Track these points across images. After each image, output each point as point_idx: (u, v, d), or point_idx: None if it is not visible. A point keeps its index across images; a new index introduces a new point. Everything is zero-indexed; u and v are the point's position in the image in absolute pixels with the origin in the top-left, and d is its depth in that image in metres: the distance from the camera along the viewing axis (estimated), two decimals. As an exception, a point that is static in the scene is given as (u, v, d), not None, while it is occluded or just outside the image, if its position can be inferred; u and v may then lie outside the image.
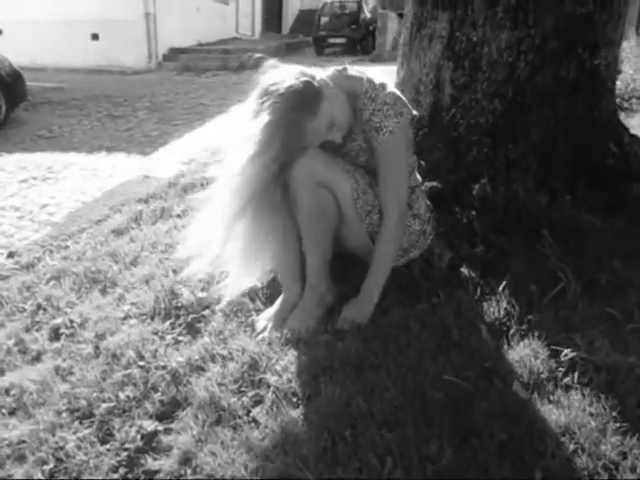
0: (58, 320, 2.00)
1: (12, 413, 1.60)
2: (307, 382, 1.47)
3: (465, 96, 1.95)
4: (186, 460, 1.31)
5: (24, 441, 1.47)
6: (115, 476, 1.32)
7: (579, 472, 1.14)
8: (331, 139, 1.58)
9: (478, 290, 1.65)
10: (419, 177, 1.79)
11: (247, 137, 1.46)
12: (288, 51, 14.14)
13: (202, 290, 1.93)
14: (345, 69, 1.67)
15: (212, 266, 1.66)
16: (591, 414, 1.25)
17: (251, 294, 1.85)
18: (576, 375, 1.34)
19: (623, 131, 2.16)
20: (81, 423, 1.49)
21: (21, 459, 1.43)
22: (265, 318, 1.72)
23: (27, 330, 2.03)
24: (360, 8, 13.44)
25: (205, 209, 1.59)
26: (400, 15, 14.63)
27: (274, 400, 1.44)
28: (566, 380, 1.35)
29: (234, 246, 1.58)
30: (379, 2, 13.57)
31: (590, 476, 1.13)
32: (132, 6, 11.06)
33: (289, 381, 1.48)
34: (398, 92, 1.62)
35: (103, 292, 2.14)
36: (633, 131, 2.33)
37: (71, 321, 1.94)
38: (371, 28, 13.04)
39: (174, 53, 12.25)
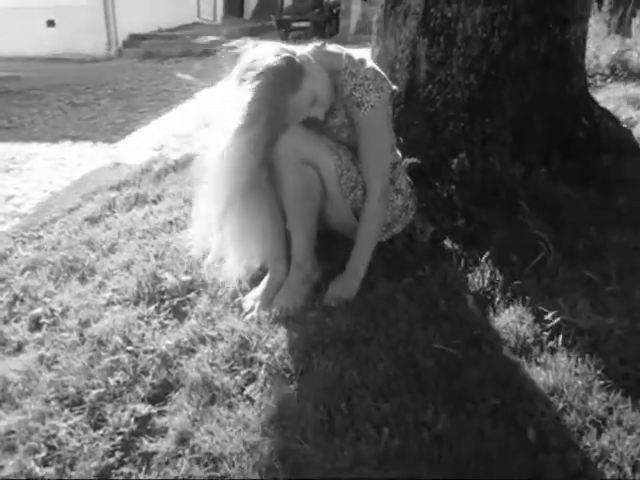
0: (38, 310, 1.96)
1: (-3, 405, 1.57)
2: (299, 358, 1.48)
3: (441, 72, 1.97)
4: (183, 440, 1.31)
5: (13, 431, 1.44)
6: (111, 460, 1.31)
7: (569, 428, 1.19)
8: (313, 115, 1.57)
9: (462, 262, 1.69)
10: (399, 153, 1.81)
11: (231, 117, 1.45)
12: (252, 35, 13.93)
13: (185, 273, 1.92)
14: (324, 45, 1.67)
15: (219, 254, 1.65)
16: (577, 374, 1.30)
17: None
18: (560, 338, 1.39)
19: (593, 105, 2.21)
20: (71, 410, 1.47)
21: (11, 449, 1.40)
22: (252, 298, 1.72)
23: (5, 322, 1.97)
24: (323, -9, 13.31)
25: (199, 198, 1.57)
26: (363, -2, 14.58)
27: (267, 377, 1.44)
28: (551, 343, 1.40)
29: (226, 230, 1.57)
30: (342, -16, 13.49)
31: (579, 431, 1.18)
32: (89, -10, 10.70)
33: (281, 358, 1.49)
34: (377, 67, 1.62)
35: (82, 280, 2.10)
36: (599, 106, 2.40)
37: (52, 310, 1.90)
38: (335, 11, 12.93)
39: (134, 39, 11.91)
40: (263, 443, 1.26)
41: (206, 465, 1.24)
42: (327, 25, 12.57)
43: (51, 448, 1.37)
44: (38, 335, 1.83)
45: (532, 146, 2.05)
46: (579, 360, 1.32)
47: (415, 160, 1.92)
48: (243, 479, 1.19)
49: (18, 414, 1.49)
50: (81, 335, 1.74)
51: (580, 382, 1.27)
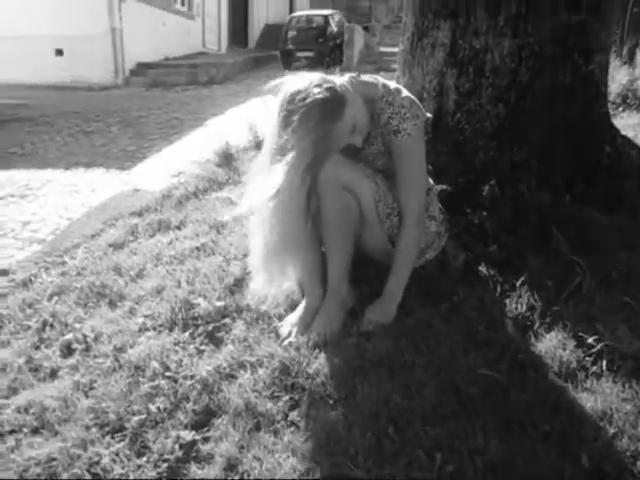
0: (69, 336, 1.96)
1: (35, 431, 1.55)
2: (341, 383, 1.48)
3: (470, 101, 2.01)
4: (231, 467, 1.30)
5: (54, 459, 1.43)
6: (157, 488, 1.30)
7: (622, 454, 1.19)
8: (352, 143, 1.61)
9: (498, 287, 1.70)
10: (431, 180, 1.84)
11: (278, 151, 1.48)
12: (256, 65, 14.21)
13: (218, 299, 1.92)
14: (359, 75, 1.71)
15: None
16: (624, 399, 1.30)
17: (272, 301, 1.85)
18: (604, 363, 1.40)
19: (615, 132, 2.26)
20: (113, 437, 1.46)
21: (53, 477, 1.39)
22: (289, 324, 1.72)
23: (36, 348, 1.97)
24: (327, 22, 13.62)
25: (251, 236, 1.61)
26: (365, 28, 14.92)
27: (310, 403, 1.44)
28: (594, 368, 1.41)
29: (266, 250, 1.58)
30: (345, 16, 13.79)
31: (633, 457, 1.17)
32: (97, 21, 10.93)
33: (323, 384, 1.49)
34: (412, 96, 1.67)
35: (112, 306, 2.11)
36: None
37: (84, 336, 1.90)
38: (338, 42, 13.22)
39: (141, 68, 12.14)
40: (313, 469, 1.25)
41: (256, 492, 1.24)
42: (330, 55, 12.82)
43: (95, 475, 1.36)
44: (72, 361, 1.82)
45: (557, 173, 2.08)
46: (625, 385, 1.33)
47: (445, 187, 1.94)
48: (296, 506, 1.18)
49: (58, 441, 1.48)
50: (116, 361, 1.74)
51: (629, 407, 1.27)
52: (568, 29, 1.98)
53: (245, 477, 1.27)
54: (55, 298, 2.25)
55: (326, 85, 1.51)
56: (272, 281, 1.67)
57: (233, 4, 16.68)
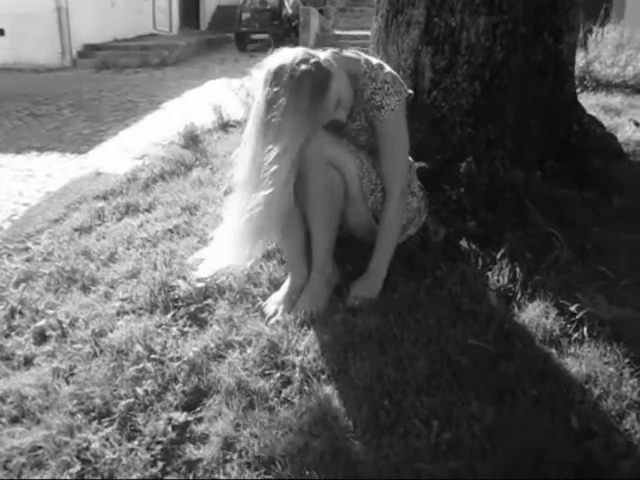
0: (41, 322, 1.88)
1: (15, 421, 1.50)
2: (332, 359, 1.48)
3: (446, 79, 2.03)
4: (228, 445, 1.29)
5: (39, 447, 1.38)
6: (154, 470, 1.28)
7: (608, 413, 1.24)
8: (337, 118, 1.60)
9: (479, 261, 1.73)
10: (410, 157, 1.85)
11: (265, 125, 1.45)
12: (209, 47, 13.89)
13: (198, 280, 1.89)
14: (341, 50, 1.69)
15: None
16: (606, 363, 1.36)
17: (254, 280, 1.83)
18: (585, 329, 1.45)
19: (582, 112, 2.33)
20: (100, 422, 1.42)
21: (40, 466, 1.34)
22: (274, 302, 1.71)
23: (6, 336, 1.89)
24: (282, 4, 13.42)
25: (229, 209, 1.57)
26: (320, 11, 14.78)
27: (303, 379, 1.44)
28: (576, 335, 1.46)
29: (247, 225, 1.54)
30: (300, -2, 13.65)
31: (619, 416, 1.23)
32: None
33: (314, 360, 1.49)
34: (394, 72, 1.67)
35: (85, 290, 2.04)
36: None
37: (59, 322, 1.83)
38: (293, 24, 13.07)
39: (89, 50, 11.67)
40: (312, 444, 1.25)
41: (257, 469, 1.23)
42: (285, 38, 12.67)
43: (85, 462, 1.32)
44: (47, 348, 1.76)
45: (529, 150, 2.14)
46: (607, 349, 1.39)
47: (423, 164, 1.96)
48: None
49: (42, 429, 1.43)
50: (96, 345, 1.68)
51: (611, 369, 1.33)
52: (539, 7, 2.02)
53: (243, 454, 1.26)
54: (22, 285, 2.16)
55: (312, 60, 1.49)
56: (241, 253, 1.61)
57: (184, -16, 16.20)
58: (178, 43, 12.79)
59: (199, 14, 17.11)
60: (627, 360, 1.35)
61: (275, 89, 1.45)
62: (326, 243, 1.68)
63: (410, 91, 1.70)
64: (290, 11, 13.41)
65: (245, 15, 13.30)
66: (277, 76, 1.46)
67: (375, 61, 1.66)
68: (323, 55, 1.58)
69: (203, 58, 12.30)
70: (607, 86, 3.41)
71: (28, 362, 1.73)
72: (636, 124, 2.60)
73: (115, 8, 12.51)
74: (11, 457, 1.37)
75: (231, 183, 1.62)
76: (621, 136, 2.43)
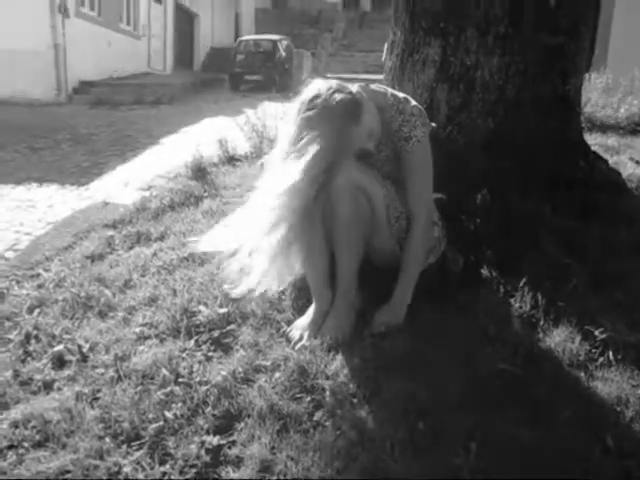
0: (59, 347, 1.86)
1: (38, 445, 1.46)
2: (363, 382, 1.49)
3: (461, 115, 2.11)
4: (265, 468, 1.28)
5: (68, 471, 1.35)
6: (188, 494, 1.26)
7: (642, 435, 1.27)
8: (366, 148, 1.65)
9: (501, 288, 1.77)
10: (429, 188, 1.91)
11: (295, 149, 1.50)
12: (203, 86, 14.16)
13: (220, 306, 1.89)
14: (368, 84, 1.77)
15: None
16: (634, 385, 1.39)
17: (277, 306, 1.84)
18: (610, 353, 1.49)
19: (587, 148, 2.43)
20: (129, 446, 1.40)
21: (69, 490, 1.31)
22: (299, 327, 1.72)
23: (22, 361, 1.86)
24: (275, 47, 13.81)
25: (246, 218, 1.58)
26: (313, 54, 15.24)
27: (334, 403, 1.44)
28: (602, 359, 1.49)
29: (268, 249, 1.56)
30: (293, 39, 14.04)
31: (654, 437, 1.25)
32: (40, 36, 10.57)
33: (344, 384, 1.49)
34: (419, 105, 1.74)
35: (102, 316, 2.02)
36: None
37: (79, 346, 1.81)
38: (286, 66, 13.43)
39: (85, 86, 11.81)
40: (351, 465, 1.25)
41: (296, 491, 1.22)
42: (279, 79, 12.99)
43: (117, 485, 1.30)
44: (67, 372, 1.73)
45: (539, 185, 2.21)
46: (634, 372, 1.42)
47: (440, 196, 2.02)
48: (339, 502, 1.17)
49: (68, 453, 1.40)
50: (120, 370, 1.67)
51: (640, 392, 1.36)
52: (549, 50, 2.13)
53: (281, 477, 1.25)
54: (36, 310, 2.13)
55: (345, 90, 1.55)
56: (272, 277, 1.62)
57: (179, 26, 16.62)
58: (173, 82, 13.03)
59: (193, 55, 17.50)
60: (655, 383, 1.39)
61: (308, 114, 1.50)
62: (351, 268, 1.71)
63: (433, 124, 1.77)
64: (284, 54, 13.79)
65: (239, 57, 13.64)
66: (312, 103, 1.52)
67: (401, 95, 1.74)
68: (354, 88, 1.64)
69: (197, 97, 12.52)
70: (601, 127, 3.56)
71: (48, 387, 1.70)
72: (637, 162, 2.71)
73: (111, 47, 12.76)
74: (38, 482, 1.34)
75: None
76: (624, 172, 2.53)
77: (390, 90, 1.75)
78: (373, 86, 1.77)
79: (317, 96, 1.53)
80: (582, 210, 2.20)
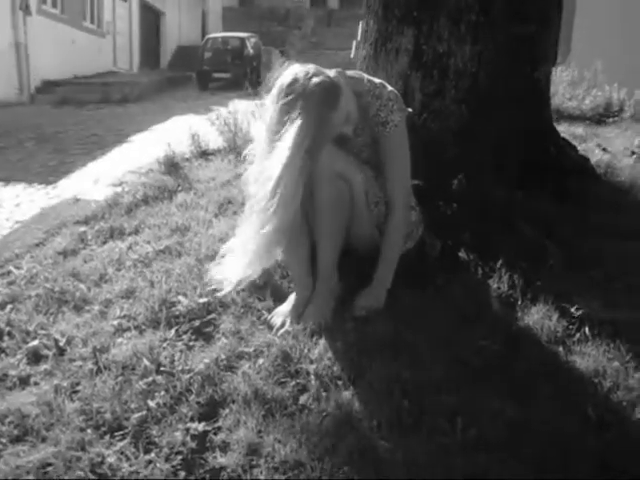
0: (34, 342, 1.81)
1: (17, 440, 1.42)
2: (347, 365, 1.50)
3: (435, 102, 2.14)
4: (253, 451, 1.27)
5: (49, 464, 1.32)
6: (175, 480, 1.24)
7: (620, 404, 1.30)
8: (344, 133, 1.66)
9: (479, 270, 1.80)
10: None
11: (278, 136, 1.49)
12: (170, 85, 13.97)
13: (200, 296, 1.87)
14: (344, 70, 1.77)
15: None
16: (610, 358, 1.43)
17: (257, 294, 1.83)
18: (587, 329, 1.53)
19: (557, 136, 2.49)
20: (112, 437, 1.37)
21: (52, 482, 1.28)
22: (281, 314, 1.72)
23: (-5, 358, 1.81)
24: (243, 44, 13.72)
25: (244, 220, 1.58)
26: (281, 52, 15.18)
27: (319, 386, 1.45)
28: (578, 335, 1.53)
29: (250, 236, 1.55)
30: (261, 37, 13.98)
31: (632, 405, 1.29)
32: (0, 34, 10.27)
33: (328, 367, 1.50)
34: (395, 90, 1.75)
35: (78, 310, 1.98)
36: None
37: (55, 340, 1.77)
38: (254, 64, 13.35)
39: (48, 86, 11.52)
40: (339, 445, 1.25)
41: (285, 472, 1.22)
42: (247, 77, 12.87)
43: (101, 475, 1.27)
44: (44, 367, 1.69)
45: (511, 170, 2.26)
46: (610, 346, 1.46)
47: (416, 182, 2.04)
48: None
49: (49, 446, 1.37)
50: (99, 362, 1.64)
51: (617, 363, 1.40)
52: (519, 39, 2.17)
53: (269, 459, 1.25)
54: (8, 307, 2.07)
55: (323, 74, 1.55)
56: (255, 266, 1.62)
57: (145, 24, 16.37)
58: (139, 80, 12.83)
59: (159, 53, 17.26)
60: (630, 355, 1.43)
61: (287, 99, 1.50)
62: (332, 254, 1.71)
63: (409, 109, 1.79)
64: (252, 51, 13.71)
65: (207, 54, 13.50)
66: (290, 88, 1.51)
67: (377, 80, 1.75)
68: (331, 72, 1.65)
69: (165, 95, 12.34)
70: (569, 117, 3.65)
71: (24, 382, 1.65)
72: (604, 149, 2.79)
73: (75, 45, 12.48)
74: (18, 476, 1.30)
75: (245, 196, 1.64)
76: (592, 159, 2.60)
77: (366, 76, 1.76)
78: (349, 72, 1.77)
79: (295, 80, 1.53)
80: (554, 195, 2.26)
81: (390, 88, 1.73)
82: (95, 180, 4.21)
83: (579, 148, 2.93)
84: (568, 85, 4.40)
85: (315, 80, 1.52)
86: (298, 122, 1.46)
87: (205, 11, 20.59)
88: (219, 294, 1.71)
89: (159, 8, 17.40)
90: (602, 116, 3.96)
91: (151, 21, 17.01)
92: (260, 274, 1.73)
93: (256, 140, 1.63)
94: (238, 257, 1.60)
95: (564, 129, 3.38)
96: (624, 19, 6.47)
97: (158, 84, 13.30)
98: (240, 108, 3.99)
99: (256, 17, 21.27)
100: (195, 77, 13.82)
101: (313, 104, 1.49)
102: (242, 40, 13.82)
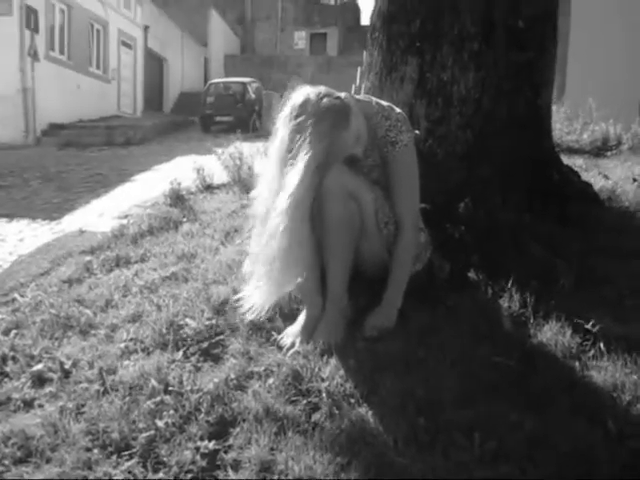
0: (39, 366, 1.78)
1: (21, 462, 1.38)
2: (360, 383, 1.47)
3: (440, 128, 2.18)
4: (265, 469, 1.23)
5: (54, 485, 1.27)
6: (186, 499, 1.20)
7: (640, 418, 1.27)
8: (354, 153, 1.68)
9: (489, 289, 1.79)
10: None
11: (288, 156, 1.51)
12: (173, 128, 14.23)
13: (208, 319, 1.85)
14: (352, 94, 1.81)
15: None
16: (628, 373, 1.41)
17: (266, 315, 1.81)
18: (602, 345, 1.51)
19: (560, 162, 2.53)
20: (119, 456, 1.34)
21: (56, 504, 1.24)
22: (291, 335, 1.70)
23: (-1, 382, 1.78)
24: (245, 89, 14.06)
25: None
26: (282, 96, 15.56)
27: (331, 404, 1.41)
28: (593, 351, 1.51)
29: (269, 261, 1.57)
30: (262, 83, 14.34)
31: (652, 419, 1.26)
32: (9, 80, 10.54)
33: (340, 385, 1.47)
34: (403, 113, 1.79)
35: (84, 334, 1.96)
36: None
37: (61, 363, 1.74)
38: (256, 107, 13.65)
39: (54, 129, 11.74)
40: (354, 462, 1.22)
41: (300, 489, 1.18)
42: (249, 120, 13.14)
43: (108, 496, 1.23)
44: (49, 389, 1.66)
45: (516, 195, 2.28)
46: (626, 360, 1.44)
47: (423, 205, 2.05)
48: (345, 497, 1.14)
49: (54, 466, 1.33)
50: (105, 384, 1.61)
51: (635, 377, 1.37)
52: (519, 66, 2.23)
53: (283, 477, 1.21)
54: (12, 332, 2.05)
55: (334, 95, 1.59)
56: (275, 291, 1.64)
57: (149, 70, 16.82)
58: (143, 123, 13.07)
59: (162, 99, 17.67)
60: (647, 370, 1.41)
61: (299, 119, 1.53)
62: (342, 274, 1.71)
63: (417, 131, 1.82)
64: (253, 96, 14.04)
65: (209, 99, 13.81)
66: (302, 108, 1.55)
67: (385, 103, 1.79)
68: (342, 94, 1.68)
69: (168, 138, 12.55)
70: (568, 151, 3.70)
71: (28, 405, 1.62)
72: (605, 177, 2.83)
73: (81, 90, 12.79)
74: (21, 497, 1.26)
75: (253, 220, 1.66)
76: (595, 186, 2.63)
77: (374, 99, 1.80)
78: (357, 96, 1.81)
79: (307, 101, 1.56)
80: (558, 220, 2.27)
81: (398, 110, 1.76)
82: (100, 214, 4.25)
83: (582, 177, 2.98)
84: (565, 120, 4.49)
85: (326, 101, 1.55)
86: (309, 142, 1.48)
87: (207, 58, 21.20)
88: (248, 319, 1.70)
89: (163, 55, 17.92)
90: (600, 150, 4.03)
91: (155, 68, 17.50)
92: (285, 296, 1.73)
93: (266, 160, 1.65)
94: (261, 281, 1.60)
95: (565, 161, 3.44)
96: (615, 59, 6.67)
97: (161, 127, 13.56)
98: (243, 150, 4.06)
99: (257, 64, 21.89)
100: (198, 120, 14.09)
101: (324, 124, 1.52)
102: (244, 85, 14.18)
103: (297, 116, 1.55)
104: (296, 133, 1.53)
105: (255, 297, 1.66)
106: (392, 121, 1.71)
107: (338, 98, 1.59)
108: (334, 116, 1.54)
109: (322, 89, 1.61)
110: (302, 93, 1.60)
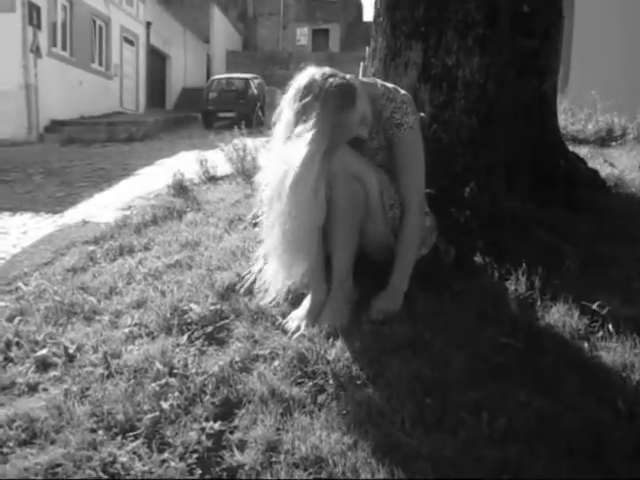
0: (43, 351, 1.78)
1: (25, 443, 1.37)
2: (365, 365, 1.46)
3: (445, 113, 2.16)
4: (272, 449, 1.22)
5: (58, 464, 1.27)
6: (191, 479, 1.19)
7: (651, 397, 1.26)
8: (359, 134, 1.67)
9: (495, 273, 1.77)
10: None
11: (296, 136, 1.50)
12: (176, 124, 14.22)
13: (212, 304, 1.84)
14: (357, 76, 1.80)
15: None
16: (636, 353, 1.39)
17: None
18: (610, 326, 1.49)
19: (566, 149, 2.51)
20: (124, 437, 1.33)
21: (63, 482, 1.23)
22: (296, 318, 1.68)
23: (3, 367, 1.77)
24: (247, 85, 14.03)
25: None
26: (284, 92, 15.52)
27: (337, 386, 1.40)
28: (602, 332, 1.50)
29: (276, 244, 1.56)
30: (264, 80, 14.32)
31: (663, 398, 1.25)
32: (11, 76, 10.53)
33: (346, 367, 1.46)
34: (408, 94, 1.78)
35: (88, 320, 1.95)
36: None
37: (65, 348, 1.74)
38: (259, 103, 13.62)
39: (56, 125, 11.74)
40: (362, 441, 1.21)
41: (306, 469, 1.16)
42: (251, 116, 13.08)
43: (113, 475, 1.22)
44: (53, 374, 1.65)
45: (522, 181, 2.26)
46: (636, 342, 1.42)
47: (428, 190, 2.04)
48: (354, 478, 1.13)
49: (59, 447, 1.32)
50: (109, 367, 1.60)
51: (645, 358, 1.36)
52: (525, 51, 2.21)
53: (289, 456, 1.20)
54: (17, 319, 2.04)
55: (339, 75, 1.57)
56: (285, 274, 1.62)
57: (151, 67, 16.80)
58: (146, 120, 13.06)
59: (165, 95, 17.65)
60: (657, 351, 1.39)
61: (305, 100, 1.51)
62: (347, 257, 1.69)
63: (422, 114, 1.81)
64: (256, 92, 14.00)
65: (212, 95, 13.77)
66: (307, 89, 1.53)
67: (390, 85, 1.77)
68: (347, 75, 1.67)
69: (171, 134, 12.52)
70: (572, 141, 3.68)
71: (32, 389, 1.61)
72: (611, 164, 2.80)
73: (83, 86, 12.78)
74: (26, 477, 1.25)
75: (260, 205, 1.65)
76: (601, 173, 2.60)
77: (379, 81, 1.79)
78: (362, 78, 1.80)
79: (312, 81, 1.55)
80: (564, 206, 2.25)
81: (403, 92, 1.75)
82: (103, 206, 4.24)
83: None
84: (569, 111, 4.46)
85: (331, 81, 1.54)
86: (315, 123, 1.47)
87: (210, 55, 21.16)
88: (262, 303, 1.70)
89: (165, 52, 17.90)
90: (605, 140, 4.00)
91: (157, 64, 17.48)
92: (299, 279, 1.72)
93: (272, 140, 1.63)
94: (274, 265, 1.60)
95: (570, 150, 3.42)
96: (618, 50, 6.63)
97: (164, 123, 13.54)
98: (247, 145, 4.04)
99: (259, 60, 21.85)
100: (201, 116, 14.07)
101: (330, 104, 1.50)
102: (246, 81, 14.14)
103: (302, 97, 1.53)
104: (302, 114, 1.52)
105: (266, 279, 1.65)
106: (397, 103, 1.70)
107: (343, 79, 1.57)
108: (340, 96, 1.52)
109: (327, 70, 1.59)
110: (307, 74, 1.59)
